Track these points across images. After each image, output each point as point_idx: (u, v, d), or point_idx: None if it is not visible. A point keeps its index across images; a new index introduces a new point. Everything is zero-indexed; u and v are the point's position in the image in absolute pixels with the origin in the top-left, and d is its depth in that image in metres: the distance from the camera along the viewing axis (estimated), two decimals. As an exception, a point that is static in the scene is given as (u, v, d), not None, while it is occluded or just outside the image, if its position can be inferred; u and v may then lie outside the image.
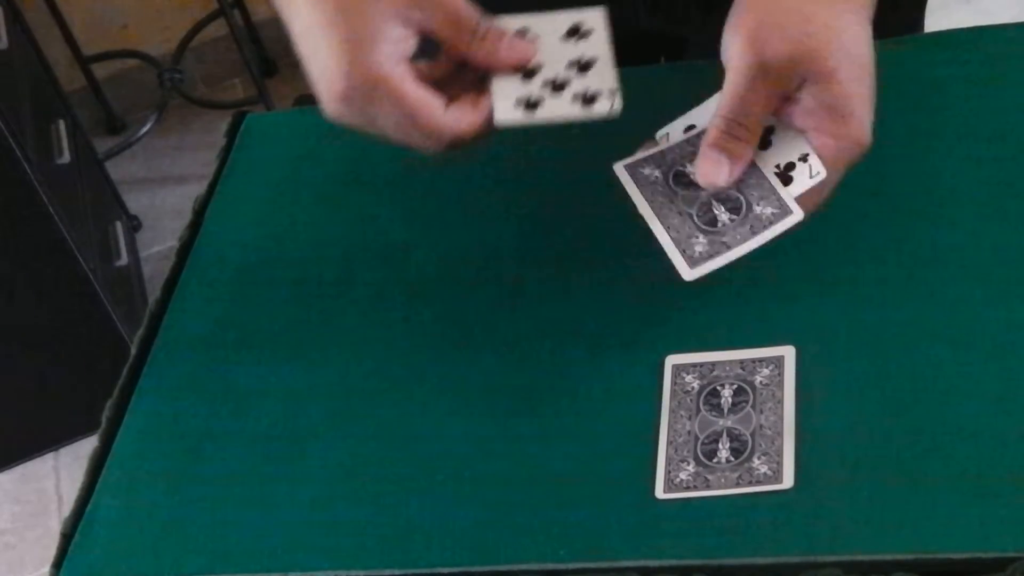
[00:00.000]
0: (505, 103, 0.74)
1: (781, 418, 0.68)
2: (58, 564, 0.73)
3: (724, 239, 0.69)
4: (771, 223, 0.68)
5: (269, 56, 2.81)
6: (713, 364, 0.71)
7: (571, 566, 0.65)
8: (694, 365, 0.71)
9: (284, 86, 2.74)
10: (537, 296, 0.78)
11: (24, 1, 2.42)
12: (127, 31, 2.76)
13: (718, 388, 0.70)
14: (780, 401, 0.68)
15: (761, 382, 0.69)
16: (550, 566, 0.66)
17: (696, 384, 0.70)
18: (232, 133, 0.96)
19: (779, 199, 0.70)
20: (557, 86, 0.75)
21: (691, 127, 0.76)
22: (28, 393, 2.17)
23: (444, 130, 0.73)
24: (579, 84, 0.75)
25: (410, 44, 0.73)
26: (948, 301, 0.71)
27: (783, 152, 0.73)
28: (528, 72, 0.75)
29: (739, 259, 0.69)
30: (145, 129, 2.69)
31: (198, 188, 0.93)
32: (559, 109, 0.74)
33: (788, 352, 0.70)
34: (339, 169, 0.90)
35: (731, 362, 0.71)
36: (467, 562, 0.67)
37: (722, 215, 0.70)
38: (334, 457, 0.73)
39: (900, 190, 0.77)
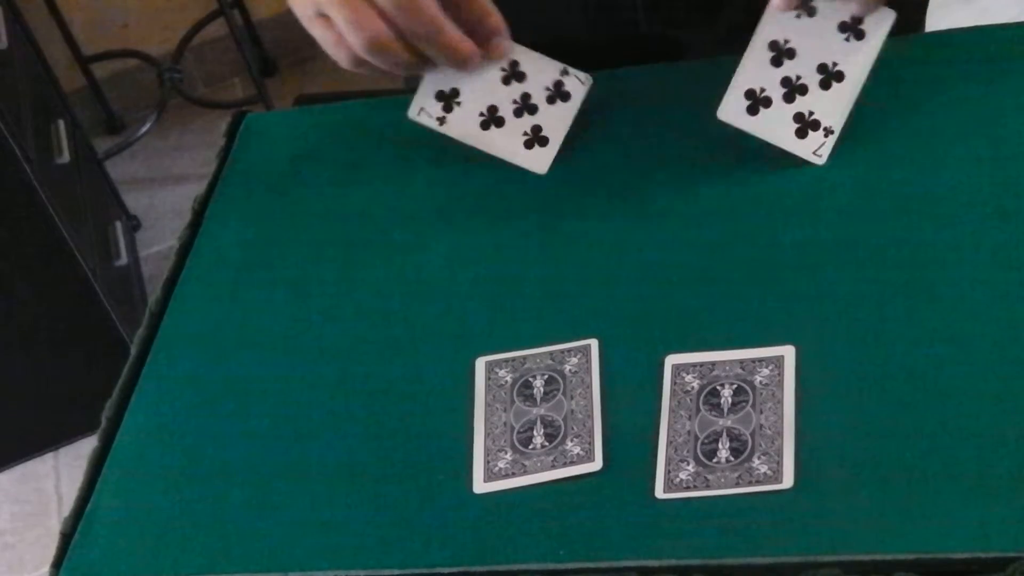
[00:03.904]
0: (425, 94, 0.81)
1: (781, 418, 0.68)
2: (58, 564, 0.73)
3: (526, 461, 0.70)
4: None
5: (269, 56, 2.81)
6: (713, 364, 0.71)
7: (571, 566, 0.65)
8: (694, 365, 0.71)
9: (284, 86, 2.74)
10: (537, 295, 0.78)
11: (24, 1, 2.42)
12: (127, 31, 2.76)
13: (718, 388, 0.70)
14: (780, 401, 0.68)
15: (761, 382, 0.69)
16: (550, 566, 0.66)
17: (696, 384, 0.70)
18: (232, 133, 0.96)
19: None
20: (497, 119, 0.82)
21: None
22: (28, 393, 2.17)
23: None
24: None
25: None
26: (948, 301, 0.70)
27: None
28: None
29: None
30: (145, 129, 2.69)
31: (198, 188, 0.93)
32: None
33: (788, 352, 0.70)
34: (339, 169, 0.90)
35: (731, 362, 0.71)
36: (467, 562, 0.67)
37: (537, 437, 0.70)
38: (334, 457, 0.73)
39: (900, 190, 0.77)
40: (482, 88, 0.82)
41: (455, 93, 0.82)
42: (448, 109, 0.82)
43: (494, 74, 0.81)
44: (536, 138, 0.82)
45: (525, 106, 0.82)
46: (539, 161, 0.82)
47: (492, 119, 0.81)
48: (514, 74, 0.81)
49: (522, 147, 0.82)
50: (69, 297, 2.09)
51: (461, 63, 0.80)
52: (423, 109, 0.82)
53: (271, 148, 0.94)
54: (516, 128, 0.82)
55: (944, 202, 0.75)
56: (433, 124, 0.83)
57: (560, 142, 0.82)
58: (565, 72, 0.81)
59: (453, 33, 0.79)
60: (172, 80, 2.71)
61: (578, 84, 0.81)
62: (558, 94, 0.81)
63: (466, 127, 0.82)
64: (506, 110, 0.82)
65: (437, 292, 0.80)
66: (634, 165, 0.84)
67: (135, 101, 2.80)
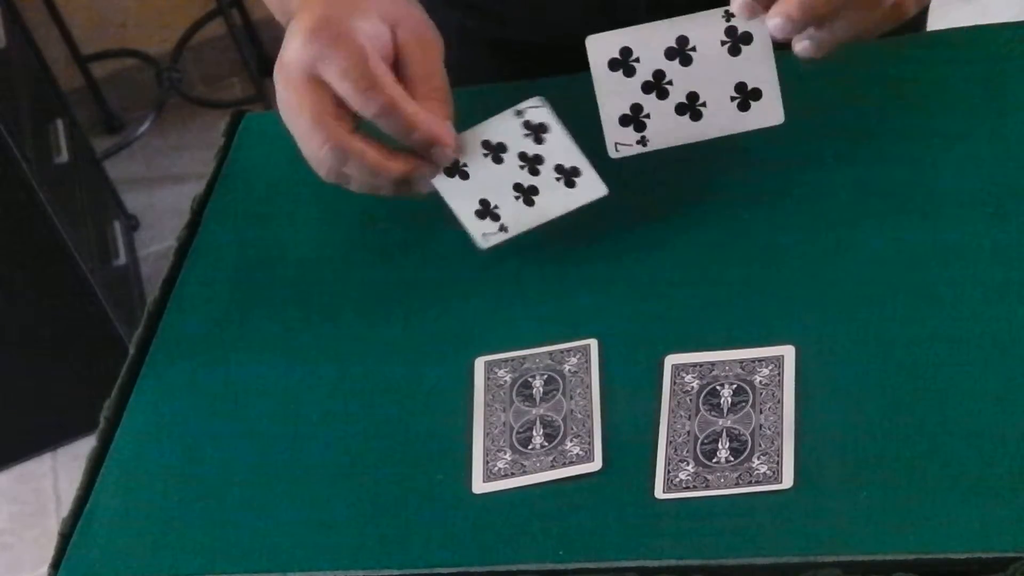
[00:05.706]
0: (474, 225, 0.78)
1: (781, 418, 0.68)
2: (56, 564, 0.73)
3: (525, 462, 0.70)
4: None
5: (267, 55, 2.81)
6: (713, 364, 0.71)
7: (570, 566, 0.65)
8: (694, 365, 0.71)
9: (282, 85, 2.74)
10: (537, 296, 0.78)
11: (23, 0, 2.42)
12: (125, 30, 2.76)
13: (718, 388, 0.70)
14: (780, 401, 0.68)
15: (761, 382, 0.69)
16: (549, 566, 0.65)
17: (696, 384, 0.70)
18: (230, 132, 0.96)
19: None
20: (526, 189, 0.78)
21: None
22: (26, 393, 2.17)
23: (392, 96, 0.74)
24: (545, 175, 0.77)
25: (384, 41, 0.76)
26: (948, 301, 0.70)
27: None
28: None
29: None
30: (143, 128, 2.69)
31: (196, 187, 0.93)
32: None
33: (788, 352, 0.70)
34: (338, 168, 0.90)
35: (731, 362, 0.71)
36: (467, 562, 0.67)
37: (536, 437, 0.70)
38: (334, 457, 0.73)
39: (900, 190, 0.77)
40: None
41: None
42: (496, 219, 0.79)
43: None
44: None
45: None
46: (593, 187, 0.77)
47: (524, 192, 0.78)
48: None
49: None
50: (67, 297, 2.09)
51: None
52: (486, 235, 0.79)
53: (270, 148, 0.94)
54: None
55: (944, 202, 0.75)
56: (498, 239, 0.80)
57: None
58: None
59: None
60: (171, 79, 2.71)
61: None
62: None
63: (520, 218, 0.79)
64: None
65: (437, 292, 0.80)
66: (632, 165, 0.84)
67: (134, 101, 2.80)
